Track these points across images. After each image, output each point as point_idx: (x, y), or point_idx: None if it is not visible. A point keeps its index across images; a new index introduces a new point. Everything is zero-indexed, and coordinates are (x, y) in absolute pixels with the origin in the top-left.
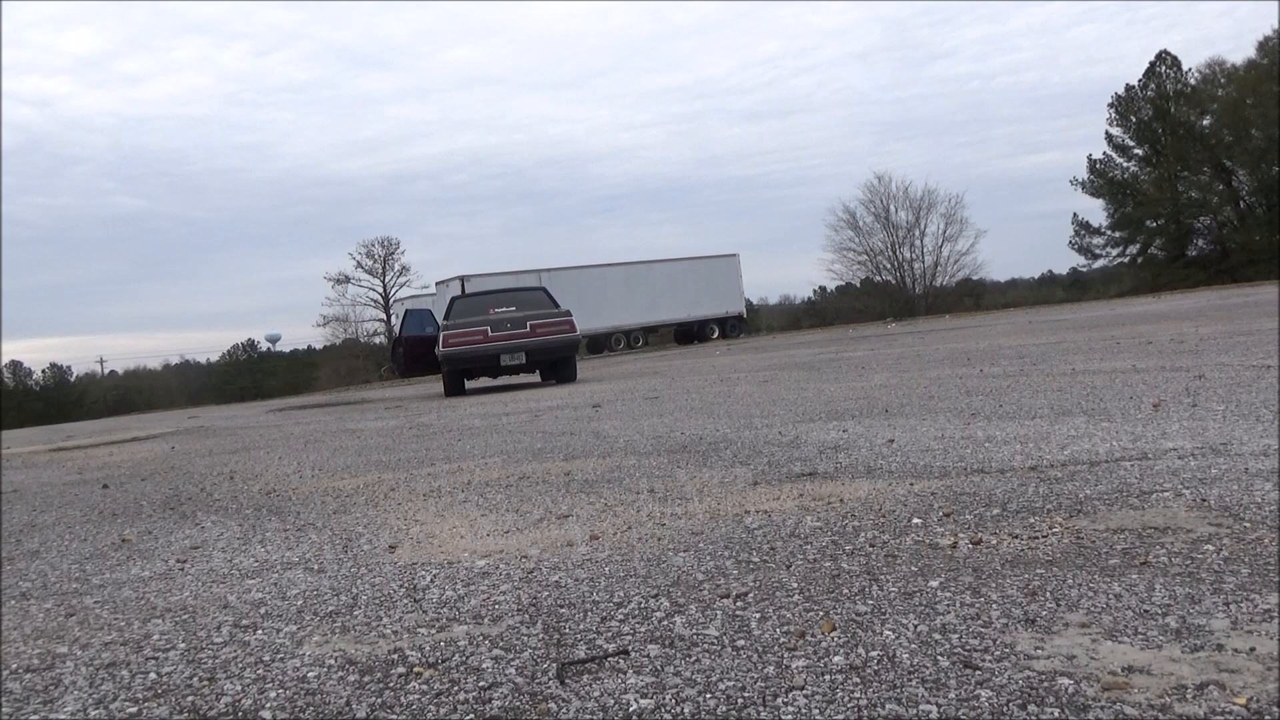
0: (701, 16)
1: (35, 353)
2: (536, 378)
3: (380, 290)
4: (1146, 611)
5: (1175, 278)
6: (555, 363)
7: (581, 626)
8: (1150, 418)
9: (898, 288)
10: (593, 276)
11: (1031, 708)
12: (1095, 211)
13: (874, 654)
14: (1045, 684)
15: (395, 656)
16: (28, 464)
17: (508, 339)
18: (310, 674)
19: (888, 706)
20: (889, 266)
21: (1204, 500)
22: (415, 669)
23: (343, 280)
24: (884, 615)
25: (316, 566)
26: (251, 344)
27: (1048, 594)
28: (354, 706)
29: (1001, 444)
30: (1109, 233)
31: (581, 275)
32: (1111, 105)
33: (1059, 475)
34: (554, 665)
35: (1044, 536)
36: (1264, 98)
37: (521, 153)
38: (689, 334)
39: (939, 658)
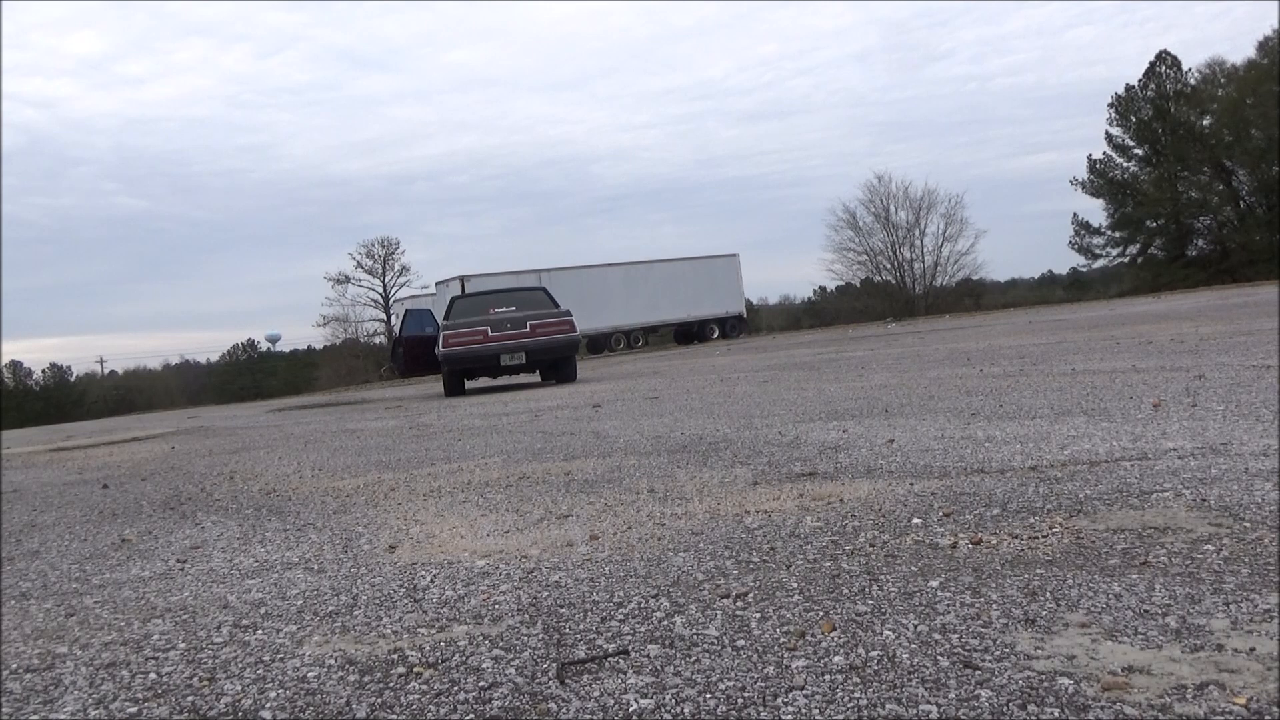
0: (700, 18)
1: (35, 353)
2: (536, 378)
3: (380, 290)
4: (1146, 611)
5: (1175, 278)
6: (555, 363)
7: (581, 626)
8: (1150, 418)
9: (898, 288)
10: (593, 276)
11: (1031, 708)
12: (1095, 211)
13: (874, 654)
14: (1045, 684)
15: (395, 656)
16: (28, 464)
17: (508, 339)
18: (310, 674)
19: (888, 706)
20: (889, 266)
21: (1204, 500)
22: (415, 669)
23: (343, 280)
24: (884, 615)
25: (316, 566)
26: (251, 344)
27: (1048, 594)
28: (354, 706)
29: (1001, 444)
30: (1109, 233)
31: (581, 275)
32: (1111, 105)
33: (1059, 475)
34: (554, 665)
35: (1044, 536)
36: (1264, 98)
37: (521, 153)
38: (689, 334)
39: (939, 658)
